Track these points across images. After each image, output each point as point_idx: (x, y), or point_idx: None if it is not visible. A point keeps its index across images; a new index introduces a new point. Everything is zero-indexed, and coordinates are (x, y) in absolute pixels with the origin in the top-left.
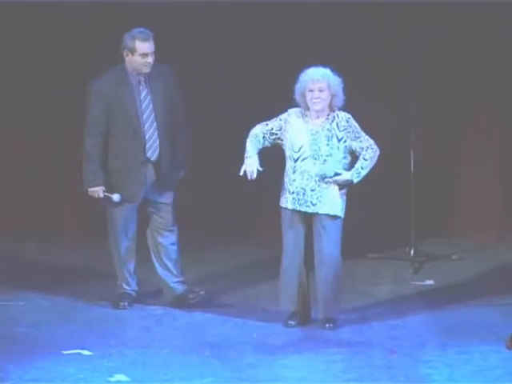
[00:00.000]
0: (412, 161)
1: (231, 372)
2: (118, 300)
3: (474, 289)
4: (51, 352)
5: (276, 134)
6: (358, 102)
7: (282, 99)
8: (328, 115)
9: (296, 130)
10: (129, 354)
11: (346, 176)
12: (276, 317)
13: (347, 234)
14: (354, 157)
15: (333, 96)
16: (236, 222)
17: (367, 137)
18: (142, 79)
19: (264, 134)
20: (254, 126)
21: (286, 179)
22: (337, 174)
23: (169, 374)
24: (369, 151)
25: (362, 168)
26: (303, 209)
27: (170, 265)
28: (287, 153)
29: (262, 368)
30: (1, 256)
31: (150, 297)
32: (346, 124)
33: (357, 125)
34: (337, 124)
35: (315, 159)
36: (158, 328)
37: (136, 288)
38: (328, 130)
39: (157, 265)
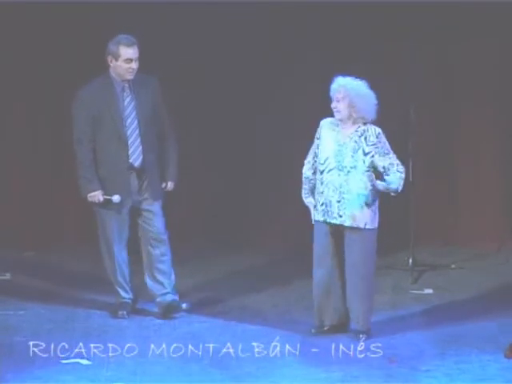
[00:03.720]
0: (411, 170)
1: (230, 381)
2: (117, 309)
3: (473, 298)
4: (50, 361)
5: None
6: None
7: (282, 105)
8: (358, 127)
9: (324, 141)
10: (128, 363)
11: (394, 177)
12: (275, 325)
13: None
14: (376, 172)
15: (351, 107)
16: (234, 231)
17: (394, 155)
18: (127, 86)
19: (312, 169)
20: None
21: (315, 191)
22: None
23: (168, 383)
24: (399, 167)
25: (401, 178)
26: (331, 220)
27: (159, 277)
28: (316, 164)
29: (261, 377)
30: (0, 265)
31: (148, 306)
32: (376, 139)
33: (386, 141)
34: (365, 138)
35: (340, 170)
36: (157, 337)
37: (133, 296)
38: (355, 142)
39: (147, 276)
